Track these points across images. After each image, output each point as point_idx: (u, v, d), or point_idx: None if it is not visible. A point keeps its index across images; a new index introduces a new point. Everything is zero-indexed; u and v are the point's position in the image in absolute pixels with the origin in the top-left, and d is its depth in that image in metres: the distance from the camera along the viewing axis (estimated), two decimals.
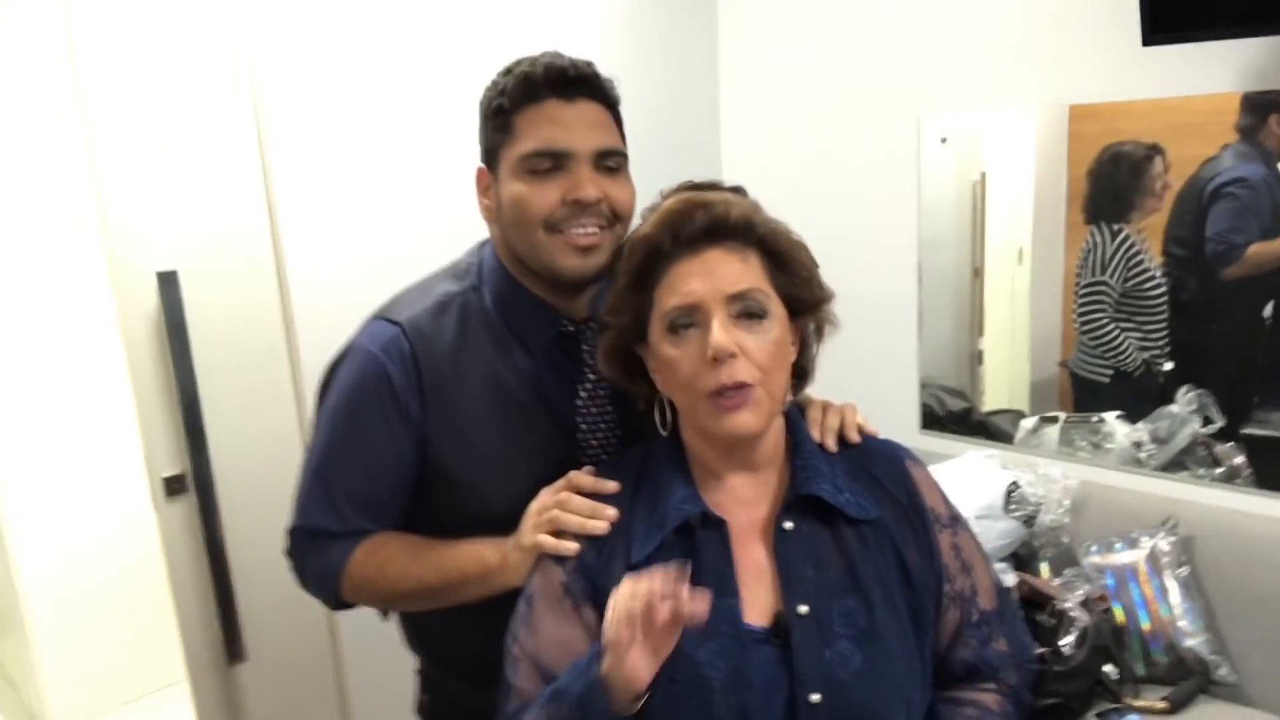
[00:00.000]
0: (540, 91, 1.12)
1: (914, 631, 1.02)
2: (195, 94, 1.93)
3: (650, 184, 2.88)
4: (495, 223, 1.22)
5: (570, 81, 1.13)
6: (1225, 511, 2.04)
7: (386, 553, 1.20)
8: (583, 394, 1.23)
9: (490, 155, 1.18)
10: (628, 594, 0.90)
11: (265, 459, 2.07)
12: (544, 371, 1.21)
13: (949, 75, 2.39)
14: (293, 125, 2.02)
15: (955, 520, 1.11)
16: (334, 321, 2.04)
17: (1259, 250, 2.04)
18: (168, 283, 1.89)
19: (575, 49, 2.43)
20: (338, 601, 1.25)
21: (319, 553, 1.23)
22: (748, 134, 2.87)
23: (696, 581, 0.98)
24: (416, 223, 2.19)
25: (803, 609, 0.98)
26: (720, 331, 0.96)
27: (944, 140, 2.46)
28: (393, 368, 1.17)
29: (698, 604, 0.87)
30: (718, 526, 1.02)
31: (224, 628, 2.04)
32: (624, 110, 2.54)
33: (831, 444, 1.10)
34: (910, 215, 2.54)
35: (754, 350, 0.98)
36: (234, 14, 1.95)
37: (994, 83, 2.32)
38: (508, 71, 1.16)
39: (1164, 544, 2.02)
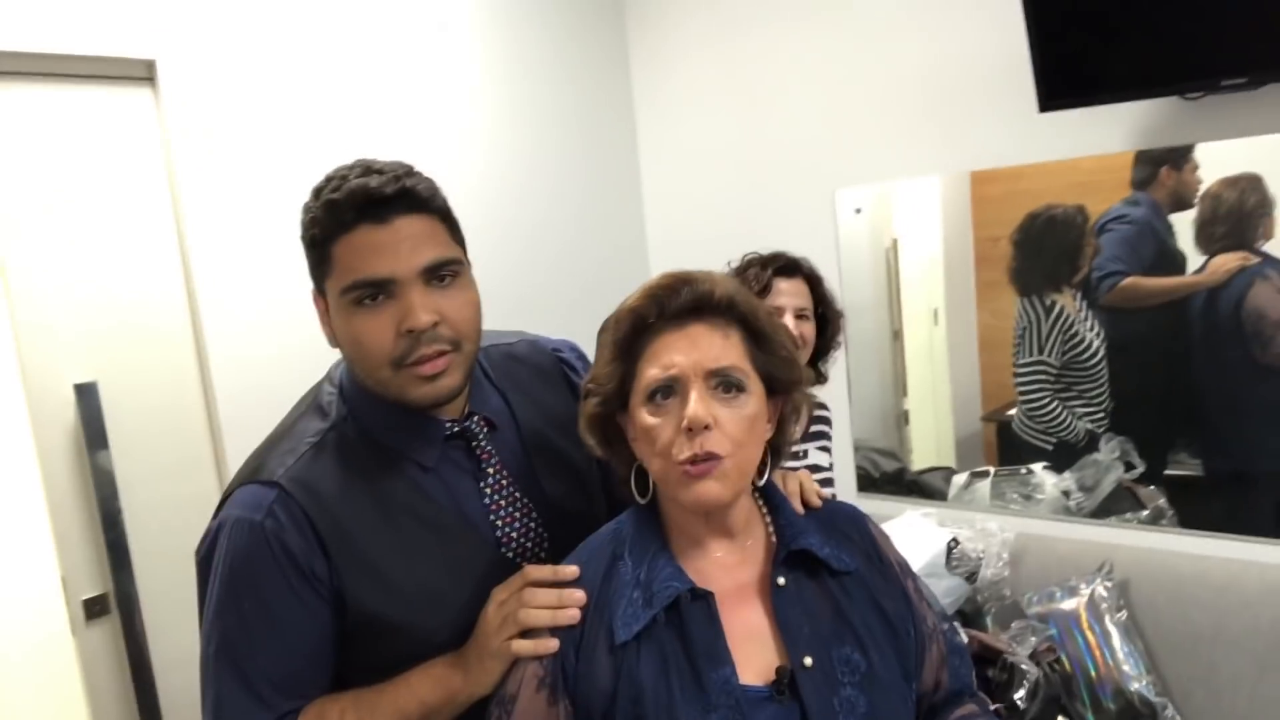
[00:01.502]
0: (349, 217, 1.03)
1: (902, 675, 1.06)
2: (113, 197, 1.90)
3: (580, 267, 2.91)
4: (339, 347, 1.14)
5: (379, 202, 1.03)
6: (1155, 553, 2.11)
7: (332, 719, 1.09)
8: (487, 490, 1.18)
9: (318, 282, 1.10)
10: None
11: (193, 575, 1.98)
12: (442, 481, 1.15)
13: (860, 149, 2.49)
14: (215, 230, 2.00)
15: (907, 569, 1.17)
16: (261, 428, 2.00)
17: (1135, 282, 2.16)
18: (86, 394, 1.82)
19: (501, 142, 2.54)
20: None
21: None
22: (669, 215, 2.93)
23: (687, 654, 1.00)
24: None
25: (807, 660, 1.00)
26: (697, 403, 0.99)
27: (859, 210, 2.56)
28: (285, 532, 1.06)
29: None
30: (704, 598, 1.03)
31: None
32: (549, 198, 2.67)
33: (797, 507, 1.14)
34: (832, 283, 2.61)
35: (728, 424, 1.00)
36: (152, 112, 1.94)
37: (901, 154, 2.43)
38: (318, 194, 1.07)
39: (1101, 589, 2.07)
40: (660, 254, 2.95)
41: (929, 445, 2.67)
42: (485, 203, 2.49)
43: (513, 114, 2.57)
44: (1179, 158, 2.05)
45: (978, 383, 2.53)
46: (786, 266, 1.88)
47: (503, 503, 1.18)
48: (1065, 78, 1.94)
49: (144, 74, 1.90)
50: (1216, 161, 2.01)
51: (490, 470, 1.19)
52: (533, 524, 1.20)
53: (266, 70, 2.07)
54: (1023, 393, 2.40)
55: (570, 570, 1.06)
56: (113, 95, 1.88)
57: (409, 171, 1.09)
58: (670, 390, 1.01)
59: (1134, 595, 2.07)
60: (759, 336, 1.06)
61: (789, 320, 1.80)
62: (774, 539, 1.09)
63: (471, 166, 2.47)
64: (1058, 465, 2.35)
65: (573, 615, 1.02)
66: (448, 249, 1.09)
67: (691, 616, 1.02)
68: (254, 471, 1.12)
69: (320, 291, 1.11)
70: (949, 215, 2.46)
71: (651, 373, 1.02)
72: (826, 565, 1.06)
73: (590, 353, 1.30)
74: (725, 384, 1.01)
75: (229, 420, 2.01)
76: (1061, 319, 2.31)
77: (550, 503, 1.21)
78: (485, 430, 1.20)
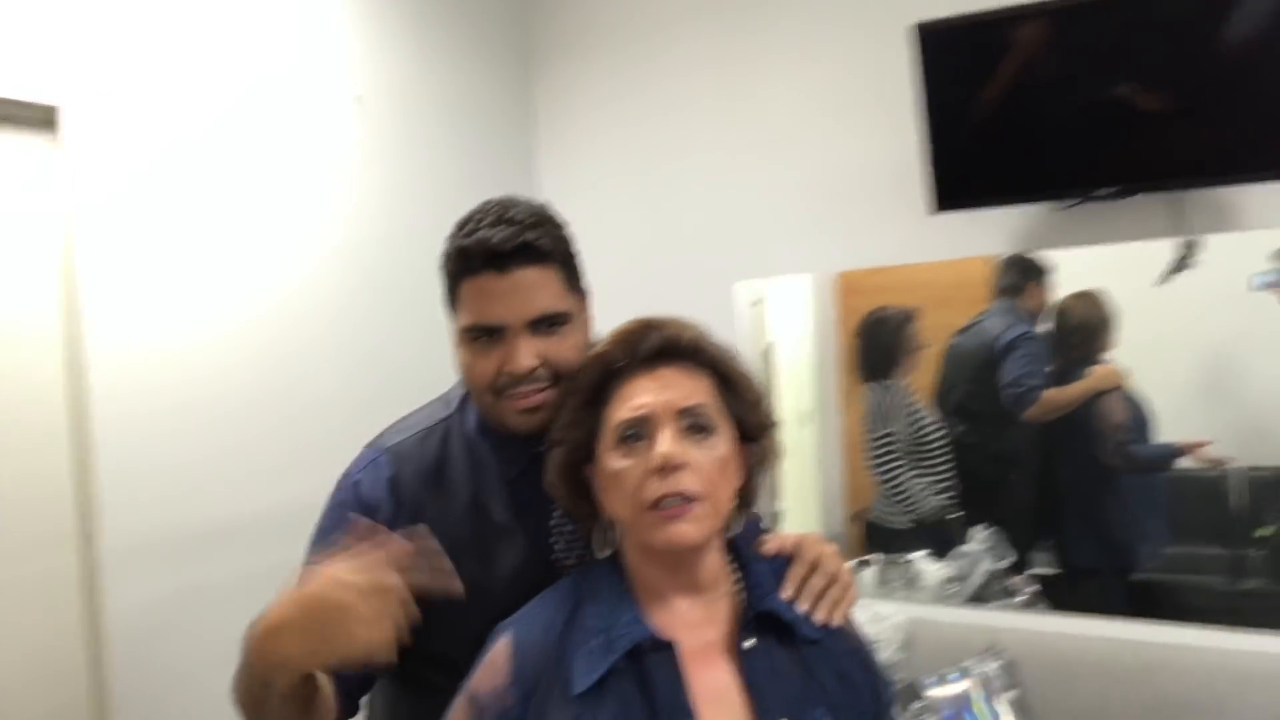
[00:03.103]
0: (474, 264, 1.15)
1: None
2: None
3: None
4: None
5: (504, 254, 1.14)
6: (1039, 634, 2.21)
7: None
8: (556, 513, 1.23)
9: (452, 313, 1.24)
10: None
11: (45, 665, 1.77)
12: (519, 493, 1.24)
13: (758, 244, 2.61)
14: (110, 284, 1.88)
15: (869, 642, 1.17)
16: (145, 505, 1.85)
17: (1052, 394, 2.35)
18: None
19: (399, 222, 2.51)
20: None
21: None
22: None
23: (651, 707, 0.97)
24: (230, 377, 2.07)
25: None
26: (669, 442, 0.99)
27: (755, 303, 2.66)
28: (368, 490, 1.22)
29: None
30: (667, 649, 1.01)
31: None
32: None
33: (805, 606, 1.09)
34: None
35: (701, 463, 1.00)
36: (53, 160, 1.83)
37: (796, 250, 2.56)
38: (459, 228, 1.20)
39: (992, 670, 2.14)
40: None
41: None
42: (375, 279, 2.45)
43: (412, 192, 2.56)
44: (1044, 273, 2.27)
45: (844, 483, 2.63)
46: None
47: (568, 528, 1.24)
48: (956, 183, 2.12)
49: (45, 119, 1.79)
50: (1073, 273, 2.24)
51: None
52: (588, 555, 1.22)
53: (174, 125, 1.99)
54: (875, 466, 2.54)
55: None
56: (11, 140, 1.76)
57: (537, 222, 1.18)
58: (640, 432, 1.00)
59: (1022, 674, 2.15)
60: (729, 381, 1.07)
61: None
62: (743, 598, 1.08)
63: (367, 239, 2.43)
64: (939, 553, 2.46)
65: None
66: (559, 301, 1.18)
67: (654, 668, 0.99)
68: (377, 437, 1.31)
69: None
70: (819, 320, 2.60)
71: (620, 415, 1.01)
72: (794, 630, 1.05)
73: None
74: (696, 424, 1.01)
75: (111, 495, 1.84)
76: (901, 396, 2.51)
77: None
78: None
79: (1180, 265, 2.10)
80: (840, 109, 2.46)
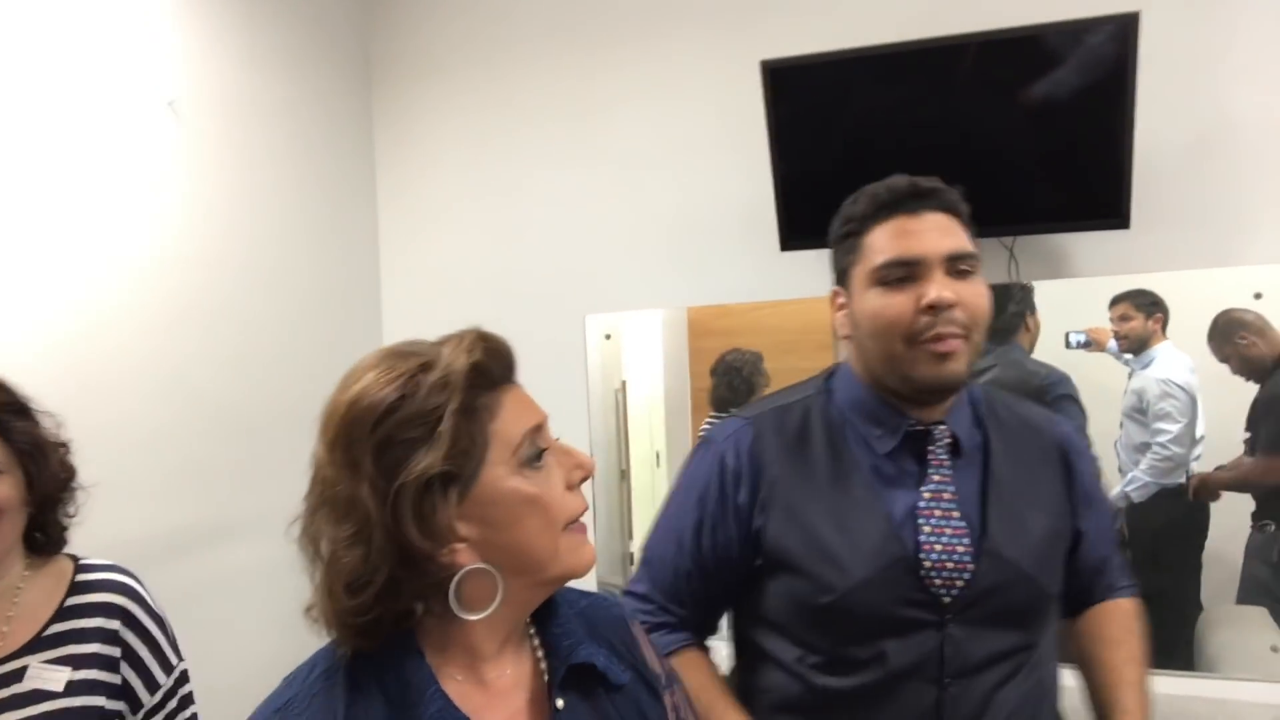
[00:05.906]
0: (887, 209, 1.21)
1: None
2: None
3: (306, 380, 2.64)
4: (849, 338, 1.28)
5: (916, 195, 1.20)
6: None
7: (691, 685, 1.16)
8: (926, 494, 1.22)
9: (843, 275, 1.26)
10: None
11: None
12: (886, 469, 1.24)
13: (610, 278, 2.55)
14: None
15: (672, 679, 1.06)
16: None
17: None
18: None
19: (215, 239, 2.30)
20: None
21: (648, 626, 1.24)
22: (409, 333, 2.80)
23: None
24: None
25: None
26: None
27: (608, 336, 2.58)
28: (729, 455, 1.28)
29: None
30: None
31: None
32: (280, 307, 2.47)
33: None
34: (581, 415, 2.59)
35: None
36: None
37: (648, 286, 2.52)
38: (854, 201, 1.27)
39: None
40: None
41: None
42: (189, 296, 2.25)
43: (235, 207, 2.38)
44: (1032, 304, 2.20)
45: None
46: None
47: (938, 512, 1.22)
48: (803, 221, 2.13)
49: None
50: None
51: (936, 478, 1.23)
52: (960, 548, 1.20)
53: None
54: None
55: None
56: None
57: (939, 181, 1.26)
58: (546, 446, 0.89)
59: None
60: None
61: None
62: (539, 651, 0.95)
63: (181, 253, 2.24)
64: None
65: None
66: (968, 244, 1.21)
67: None
68: (741, 409, 1.37)
69: (842, 284, 1.27)
70: (670, 357, 2.56)
71: (522, 432, 0.87)
72: (604, 678, 0.93)
73: None
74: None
75: None
76: None
77: (989, 540, 1.21)
78: (946, 442, 1.25)
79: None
80: (694, 144, 2.45)
